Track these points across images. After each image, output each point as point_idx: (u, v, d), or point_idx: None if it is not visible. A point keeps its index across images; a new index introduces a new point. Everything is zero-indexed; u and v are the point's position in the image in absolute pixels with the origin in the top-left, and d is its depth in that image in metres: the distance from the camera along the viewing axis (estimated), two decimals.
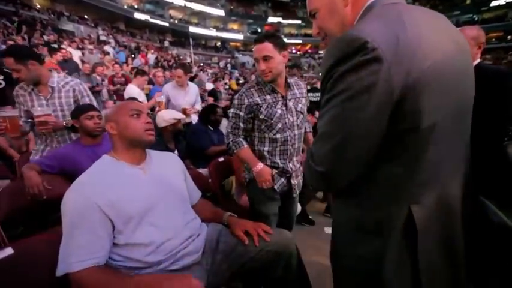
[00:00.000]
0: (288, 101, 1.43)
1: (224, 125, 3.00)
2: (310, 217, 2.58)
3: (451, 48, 0.57)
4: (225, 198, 2.09)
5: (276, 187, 1.46)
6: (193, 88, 3.32)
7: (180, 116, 2.38)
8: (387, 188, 0.59)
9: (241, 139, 1.44)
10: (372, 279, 0.62)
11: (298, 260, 1.18)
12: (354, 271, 0.67)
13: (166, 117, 2.25)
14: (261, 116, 1.39)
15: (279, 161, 1.45)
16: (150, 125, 1.10)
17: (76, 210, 0.90)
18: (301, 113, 1.49)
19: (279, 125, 1.41)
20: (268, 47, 1.31)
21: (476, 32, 1.51)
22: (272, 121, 1.40)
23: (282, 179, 1.48)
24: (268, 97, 1.40)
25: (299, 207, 2.14)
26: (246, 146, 1.44)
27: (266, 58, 1.32)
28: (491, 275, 0.85)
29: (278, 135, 1.42)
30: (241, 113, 1.41)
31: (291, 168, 1.49)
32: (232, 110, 1.45)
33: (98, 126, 1.68)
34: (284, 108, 1.42)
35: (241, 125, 1.43)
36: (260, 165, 1.41)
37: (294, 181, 1.52)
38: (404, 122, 0.53)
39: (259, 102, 1.39)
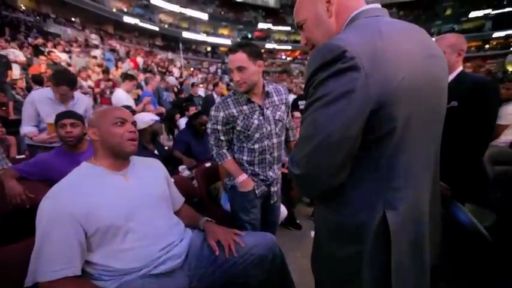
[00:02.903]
0: (265, 109, 1.41)
1: None
2: (297, 221, 2.60)
3: (425, 62, 0.60)
4: (211, 204, 2.09)
5: (256, 191, 1.47)
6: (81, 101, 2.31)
7: (156, 117, 2.46)
8: (364, 194, 0.61)
9: (224, 151, 1.46)
10: (350, 283, 0.64)
11: (281, 262, 1.20)
12: (333, 275, 0.69)
13: (145, 119, 2.32)
14: (238, 128, 1.39)
15: (257, 169, 1.46)
16: (133, 134, 1.08)
17: (49, 219, 0.88)
18: (280, 121, 1.46)
19: (257, 135, 1.40)
20: (241, 57, 1.29)
21: (454, 40, 1.48)
22: (249, 132, 1.39)
23: (263, 186, 1.49)
24: (244, 108, 1.39)
25: (284, 213, 2.16)
26: (229, 157, 1.46)
27: (240, 69, 1.30)
28: (460, 273, 0.89)
29: (256, 145, 1.41)
30: (219, 127, 1.41)
31: (271, 176, 1.49)
32: (209, 125, 1.45)
33: (69, 135, 1.63)
34: (261, 117, 1.40)
35: (222, 137, 1.44)
36: (243, 177, 1.42)
37: (273, 188, 1.53)
38: (379, 130, 0.56)
39: (236, 114, 1.38)
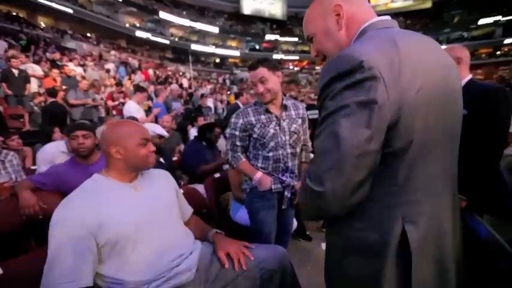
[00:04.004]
0: (282, 121, 1.50)
1: (222, 144, 3.03)
2: (307, 233, 2.54)
3: (440, 72, 0.59)
4: (221, 215, 2.07)
5: (273, 187, 1.49)
6: None
7: (161, 132, 2.44)
8: (381, 208, 0.58)
9: (239, 154, 1.53)
10: None
11: (292, 276, 1.17)
12: None
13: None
14: (255, 135, 1.48)
15: (272, 174, 1.50)
16: (154, 153, 1.14)
17: (62, 230, 0.89)
18: (295, 133, 1.54)
19: (272, 144, 1.48)
20: (263, 71, 1.41)
21: (448, 50, 1.47)
22: (265, 140, 1.47)
23: (279, 184, 1.52)
24: (262, 117, 1.49)
25: (295, 223, 2.12)
26: (244, 159, 1.53)
27: (262, 80, 1.41)
28: None
29: (271, 153, 1.49)
30: (237, 132, 1.51)
31: (284, 180, 1.52)
32: (228, 130, 1.55)
33: (81, 147, 1.67)
34: (277, 127, 1.49)
35: (238, 143, 1.52)
36: (259, 174, 1.48)
37: (287, 193, 1.54)
38: (397, 142, 0.54)
39: (253, 122, 1.48)
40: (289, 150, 1.52)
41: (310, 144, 1.76)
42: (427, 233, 0.57)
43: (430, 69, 0.57)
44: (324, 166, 0.55)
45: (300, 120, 1.57)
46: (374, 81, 0.51)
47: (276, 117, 1.49)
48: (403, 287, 0.56)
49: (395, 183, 0.57)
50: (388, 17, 0.66)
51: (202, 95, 6.68)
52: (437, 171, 0.60)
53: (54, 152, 2.23)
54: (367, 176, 0.55)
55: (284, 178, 1.52)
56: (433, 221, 0.58)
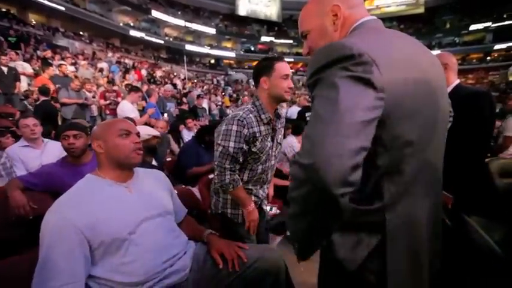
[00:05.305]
0: (277, 131, 1.39)
1: None
2: None
3: (427, 66, 0.61)
4: (213, 216, 2.06)
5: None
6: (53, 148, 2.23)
7: (155, 132, 2.40)
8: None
9: (237, 176, 1.31)
10: None
11: (286, 276, 1.17)
12: None
13: (140, 132, 2.31)
14: (254, 149, 1.28)
15: (252, 187, 1.42)
16: (138, 145, 1.09)
17: (54, 232, 0.87)
18: (280, 143, 1.46)
19: (264, 157, 1.35)
20: None
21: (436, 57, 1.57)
22: (261, 154, 1.32)
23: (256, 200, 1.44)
24: (262, 128, 1.30)
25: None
26: (241, 184, 1.34)
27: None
28: None
29: (260, 167, 1.37)
30: (242, 145, 1.25)
31: (262, 195, 1.47)
32: (232, 143, 1.23)
33: (72, 147, 1.64)
34: (271, 141, 1.37)
35: (240, 159, 1.29)
36: (252, 206, 1.34)
37: (265, 207, 1.51)
38: (390, 129, 0.55)
39: (257, 134, 1.27)
40: (273, 162, 1.43)
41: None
42: (402, 225, 0.58)
43: (417, 63, 0.59)
44: (319, 132, 0.48)
45: (282, 130, 1.47)
46: (367, 65, 0.51)
47: (273, 129, 1.35)
48: (381, 276, 0.57)
49: (383, 175, 0.57)
50: (374, 17, 0.68)
51: (198, 96, 6.65)
52: (421, 166, 0.60)
53: (14, 151, 2.20)
54: (365, 149, 0.49)
55: (261, 193, 1.45)
56: (410, 216, 0.59)
